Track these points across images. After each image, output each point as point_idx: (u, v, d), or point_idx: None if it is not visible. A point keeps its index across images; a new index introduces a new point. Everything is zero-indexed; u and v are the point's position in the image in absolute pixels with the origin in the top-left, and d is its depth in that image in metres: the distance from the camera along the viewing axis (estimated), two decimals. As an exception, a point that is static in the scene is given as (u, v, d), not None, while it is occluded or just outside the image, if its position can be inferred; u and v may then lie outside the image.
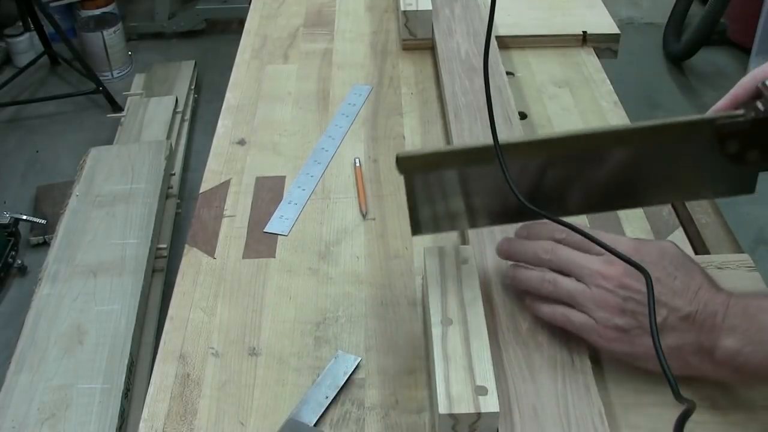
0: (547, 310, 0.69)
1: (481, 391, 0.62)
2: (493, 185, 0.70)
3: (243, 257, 0.85)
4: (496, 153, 0.73)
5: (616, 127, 0.70)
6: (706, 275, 0.66)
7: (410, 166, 0.69)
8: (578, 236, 0.67)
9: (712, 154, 0.69)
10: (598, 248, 0.65)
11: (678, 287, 0.64)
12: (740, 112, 0.68)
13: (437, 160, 0.70)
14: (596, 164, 0.71)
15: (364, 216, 0.90)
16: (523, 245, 0.73)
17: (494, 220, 0.75)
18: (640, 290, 0.63)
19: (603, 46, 1.21)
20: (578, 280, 0.67)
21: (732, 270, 0.79)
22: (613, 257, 0.64)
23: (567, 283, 0.68)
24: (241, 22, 1.33)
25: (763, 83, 0.67)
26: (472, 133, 0.95)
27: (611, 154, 0.70)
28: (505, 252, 0.74)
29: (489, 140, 0.68)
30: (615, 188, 0.73)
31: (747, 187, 0.73)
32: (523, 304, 0.72)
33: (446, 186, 0.71)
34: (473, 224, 0.76)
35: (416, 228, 0.73)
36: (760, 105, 0.67)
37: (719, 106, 0.70)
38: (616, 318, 0.65)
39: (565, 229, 0.67)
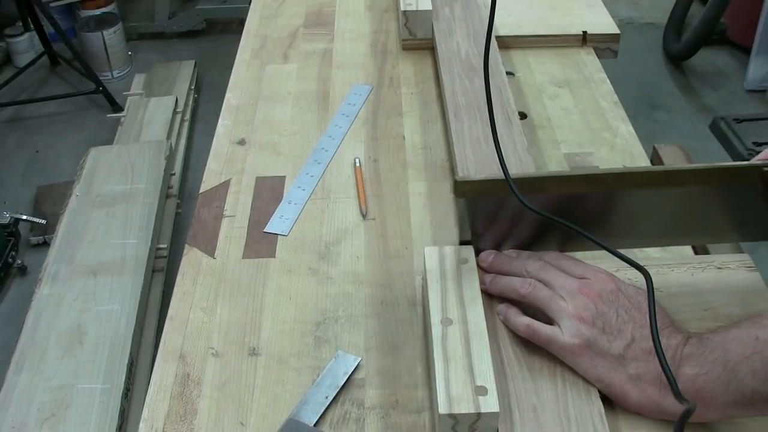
0: (518, 320, 0.70)
1: (481, 391, 0.62)
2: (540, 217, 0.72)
3: (243, 257, 0.85)
4: (497, 153, 0.73)
5: (664, 168, 0.72)
6: (670, 317, 0.68)
7: (466, 190, 0.71)
8: (563, 262, 0.71)
9: (755, 200, 0.71)
10: (579, 272, 0.69)
11: (645, 320, 0.65)
12: None
13: (494, 186, 0.71)
14: (637, 202, 0.72)
15: (364, 216, 0.90)
16: (509, 259, 0.74)
17: (550, 247, 0.77)
18: (612, 318, 0.66)
19: (603, 46, 1.21)
20: None
21: (732, 270, 0.79)
22: (591, 282, 0.68)
23: (545, 290, 0.69)
24: (241, 22, 1.33)
25: None
26: (471, 133, 0.95)
27: (655, 192, 0.72)
28: (489, 264, 0.75)
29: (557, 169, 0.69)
30: (649, 226, 0.75)
31: None
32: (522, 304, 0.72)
33: (500, 211, 0.73)
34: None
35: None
36: None
37: (762, 156, 0.73)
38: (584, 328, 0.65)
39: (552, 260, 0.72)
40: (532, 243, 0.76)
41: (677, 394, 0.56)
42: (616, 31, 1.21)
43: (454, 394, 0.62)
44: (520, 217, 0.73)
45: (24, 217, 2.27)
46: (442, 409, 0.61)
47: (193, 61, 2.95)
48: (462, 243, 0.76)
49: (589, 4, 1.28)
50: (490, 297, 0.74)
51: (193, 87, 2.83)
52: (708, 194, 0.72)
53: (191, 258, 0.86)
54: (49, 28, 2.85)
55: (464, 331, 0.67)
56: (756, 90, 2.86)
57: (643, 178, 0.71)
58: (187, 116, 2.63)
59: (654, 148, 1.08)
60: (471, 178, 0.72)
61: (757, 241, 0.78)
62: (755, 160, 0.72)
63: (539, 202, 0.69)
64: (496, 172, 0.72)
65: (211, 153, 1.01)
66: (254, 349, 0.75)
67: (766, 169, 0.69)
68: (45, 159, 2.67)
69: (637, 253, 0.81)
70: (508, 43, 1.20)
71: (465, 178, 0.71)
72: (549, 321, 0.68)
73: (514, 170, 0.85)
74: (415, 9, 1.17)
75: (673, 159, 1.06)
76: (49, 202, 2.37)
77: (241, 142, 1.03)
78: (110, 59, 3.07)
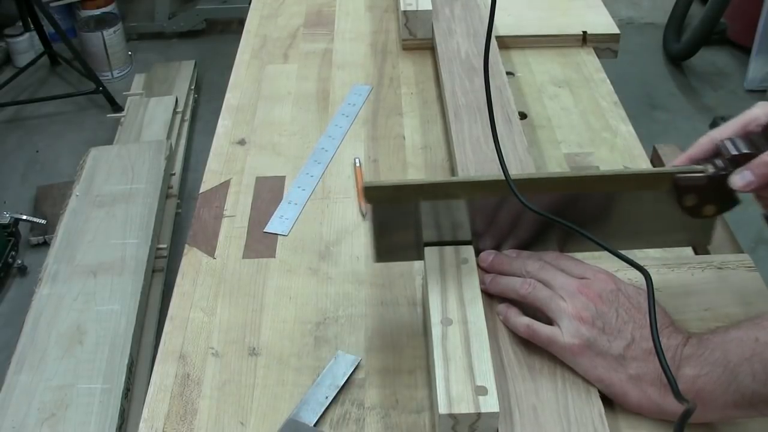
0: (518, 320, 0.70)
1: (481, 391, 0.62)
2: (455, 219, 0.72)
3: (243, 257, 0.85)
4: (497, 153, 0.73)
5: (579, 174, 0.71)
6: (670, 317, 0.68)
7: (377, 196, 0.70)
8: (563, 261, 0.71)
9: (670, 206, 0.71)
10: (579, 272, 0.69)
11: (645, 320, 0.65)
12: (699, 167, 0.70)
13: (404, 192, 0.70)
14: (556, 207, 0.72)
15: (364, 216, 0.90)
16: (509, 259, 0.74)
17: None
18: (612, 318, 0.66)
19: (603, 46, 1.21)
20: None
21: (732, 270, 0.79)
22: (590, 282, 0.68)
23: (545, 290, 0.69)
24: (241, 22, 1.33)
25: (722, 142, 0.69)
26: (471, 133, 0.95)
27: (572, 198, 0.72)
28: (489, 264, 0.75)
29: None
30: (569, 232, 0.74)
31: (704, 238, 0.76)
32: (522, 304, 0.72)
33: (410, 217, 0.72)
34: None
35: (379, 255, 0.75)
36: (718, 162, 0.69)
37: (677, 163, 0.73)
38: (584, 328, 0.65)
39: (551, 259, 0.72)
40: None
41: (677, 395, 0.56)
42: (616, 31, 1.21)
43: (454, 394, 0.62)
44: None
45: (24, 217, 2.27)
46: (442, 409, 0.61)
47: (193, 61, 2.94)
48: (378, 256, 0.75)
49: (589, 4, 1.28)
50: (490, 297, 0.74)
51: (193, 87, 2.83)
52: (625, 200, 0.72)
53: (191, 258, 0.86)
54: (49, 28, 2.85)
55: (464, 331, 0.67)
56: (756, 90, 2.86)
57: (555, 183, 0.70)
58: (187, 116, 2.63)
59: (654, 148, 1.08)
60: (380, 184, 0.71)
61: (684, 246, 0.80)
62: (670, 166, 0.73)
63: (538, 201, 0.69)
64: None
65: (211, 153, 1.01)
66: (254, 349, 0.75)
67: (677, 176, 0.70)
68: (45, 159, 2.67)
69: (637, 253, 0.81)
70: (508, 43, 1.20)
71: (374, 184, 0.70)
72: (549, 321, 0.68)
73: (514, 170, 0.85)
74: (415, 9, 1.17)
75: (674, 159, 1.06)
76: (49, 202, 2.37)
77: (241, 142, 1.03)
78: (110, 59, 3.07)
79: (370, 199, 0.70)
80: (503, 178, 0.69)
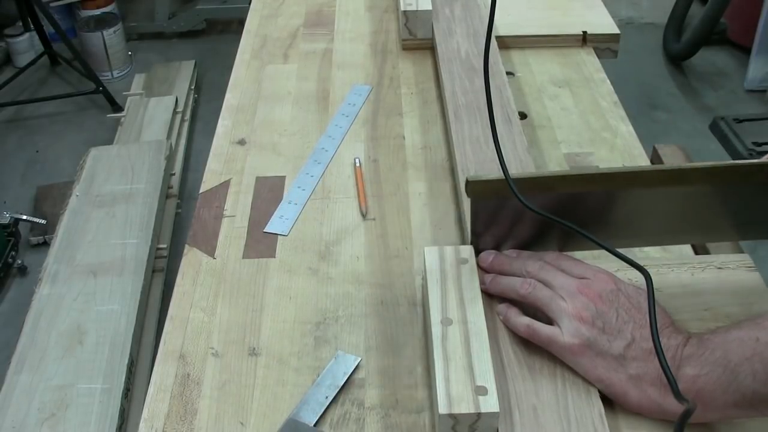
0: (518, 320, 0.70)
1: (481, 391, 0.62)
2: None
3: (243, 257, 0.85)
4: (497, 153, 0.73)
5: (671, 167, 0.71)
6: (670, 317, 0.68)
7: (479, 190, 0.71)
8: (563, 261, 0.71)
9: (759, 199, 0.71)
10: (579, 271, 0.69)
11: (645, 320, 0.65)
12: None
13: (504, 186, 0.71)
14: (646, 201, 0.72)
15: (364, 216, 0.90)
16: (509, 259, 0.74)
17: (550, 247, 0.77)
18: (612, 318, 0.66)
19: (603, 46, 1.21)
20: None
21: (732, 270, 0.79)
22: (591, 282, 0.68)
23: (545, 290, 0.69)
24: (241, 22, 1.33)
25: None
26: (471, 133, 0.95)
27: (662, 191, 0.72)
28: (489, 264, 0.75)
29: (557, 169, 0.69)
30: (651, 225, 0.75)
31: None
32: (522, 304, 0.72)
33: (511, 211, 0.72)
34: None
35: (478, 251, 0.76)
36: None
37: None
38: (584, 328, 0.65)
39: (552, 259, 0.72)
40: (532, 243, 0.76)
41: (677, 395, 0.56)
42: (616, 31, 1.21)
43: (454, 394, 0.62)
44: (521, 217, 0.73)
45: (24, 217, 2.27)
46: (442, 409, 0.61)
47: (193, 61, 2.95)
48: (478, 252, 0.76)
49: (589, 4, 1.28)
50: (490, 297, 0.74)
51: (193, 87, 2.83)
52: (711, 193, 0.72)
53: (191, 258, 0.86)
54: (49, 28, 2.85)
55: (464, 331, 0.67)
56: (756, 90, 2.86)
57: (653, 176, 0.71)
58: (187, 116, 2.63)
59: (654, 148, 1.08)
60: (483, 177, 0.71)
61: (758, 239, 0.78)
62: (766, 158, 0.72)
63: (539, 201, 0.69)
64: (497, 172, 0.72)
65: (211, 153, 1.01)
66: (254, 349, 0.75)
67: None
68: (45, 159, 2.67)
69: (637, 253, 0.81)
70: (508, 43, 1.20)
71: (477, 178, 0.71)
72: (549, 321, 0.68)
73: (514, 170, 0.85)
74: (415, 9, 1.17)
75: (673, 159, 1.06)
76: (49, 202, 2.37)
77: (241, 142, 1.03)
78: (110, 59, 3.07)
79: (474, 193, 0.71)
80: (611, 170, 0.69)
